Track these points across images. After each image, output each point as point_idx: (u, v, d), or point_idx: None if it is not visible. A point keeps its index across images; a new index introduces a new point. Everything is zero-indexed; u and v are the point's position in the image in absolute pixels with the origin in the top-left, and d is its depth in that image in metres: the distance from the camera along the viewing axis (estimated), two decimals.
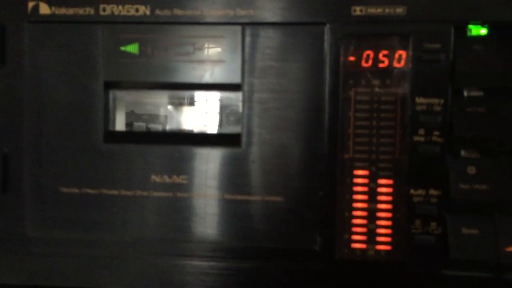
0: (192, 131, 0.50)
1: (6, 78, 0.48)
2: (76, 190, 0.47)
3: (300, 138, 0.45)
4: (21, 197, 0.48)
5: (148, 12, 0.46)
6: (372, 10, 0.44)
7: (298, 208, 0.46)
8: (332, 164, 0.45)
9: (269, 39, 0.45)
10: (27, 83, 0.47)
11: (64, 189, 0.47)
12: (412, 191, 0.45)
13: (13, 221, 0.48)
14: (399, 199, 0.46)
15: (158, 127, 0.50)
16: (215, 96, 0.51)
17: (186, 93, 0.50)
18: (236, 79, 0.46)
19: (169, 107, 0.51)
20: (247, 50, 0.45)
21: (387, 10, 0.44)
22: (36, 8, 0.47)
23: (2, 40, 0.47)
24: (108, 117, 0.48)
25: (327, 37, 0.45)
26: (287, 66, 0.45)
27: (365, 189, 0.46)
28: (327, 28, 0.45)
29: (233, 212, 0.46)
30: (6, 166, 0.48)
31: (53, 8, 0.47)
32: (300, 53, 0.45)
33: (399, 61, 0.45)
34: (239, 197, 0.46)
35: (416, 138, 0.44)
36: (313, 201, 0.45)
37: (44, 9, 0.47)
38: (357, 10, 0.44)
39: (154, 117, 0.50)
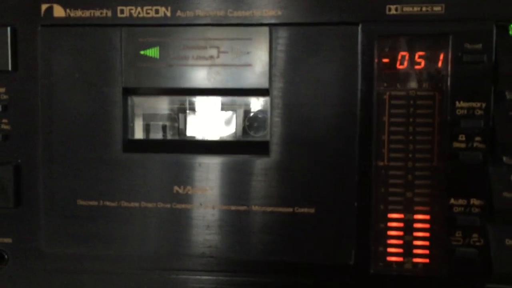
0: (215, 138, 0.47)
1: (19, 85, 0.45)
2: (94, 203, 0.45)
3: (332, 145, 0.42)
4: (36, 210, 0.46)
5: (168, 14, 0.44)
6: (408, 9, 0.42)
7: (331, 220, 0.43)
8: (366, 172, 0.43)
9: (298, 40, 0.43)
10: (41, 90, 0.45)
11: (82, 202, 0.45)
12: (452, 201, 0.42)
13: (27, 236, 0.46)
14: (438, 209, 0.43)
15: (178, 135, 0.47)
16: (237, 101, 0.48)
17: (207, 98, 0.47)
18: (263, 83, 0.43)
19: (189, 113, 0.48)
20: (275, 52, 0.43)
21: (424, 9, 0.42)
22: (50, 10, 0.44)
23: (14, 45, 0.45)
24: (127, 125, 0.45)
25: (360, 38, 0.42)
26: (318, 69, 0.42)
27: (400, 199, 0.43)
28: (360, 29, 0.42)
29: (262, 225, 0.43)
30: (19, 178, 0.45)
31: (68, 11, 0.44)
32: (332, 55, 0.42)
33: (436, 62, 0.42)
34: (268, 209, 0.43)
35: (456, 145, 0.42)
36: (347, 213, 0.43)
37: (59, 11, 0.44)
38: (392, 9, 0.42)
39: (173, 124, 0.48)
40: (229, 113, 0.48)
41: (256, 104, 0.48)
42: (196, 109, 0.47)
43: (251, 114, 0.48)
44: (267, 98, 0.45)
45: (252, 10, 0.43)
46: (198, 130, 0.47)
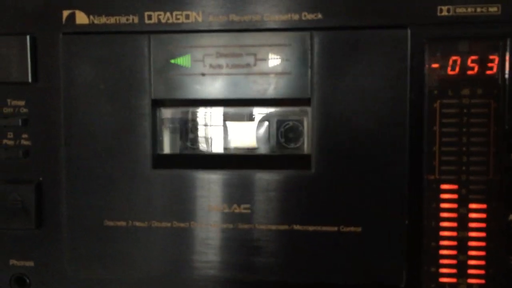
0: (251, 152, 0.44)
1: (39, 97, 0.42)
2: (122, 223, 0.42)
3: (380, 158, 0.39)
4: (59, 232, 0.43)
5: (200, 19, 0.40)
6: (461, 10, 0.38)
7: (379, 239, 0.40)
8: (417, 187, 0.39)
9: (341, 46, 0.39)
10: (63, 103, 0.42)
11: (109, 223, 0.42)
12: (510, 217, 0.39)
13: (50, 259, 0.43)
14: (494, 225, 0.40)
15: (210, 148, 0.44)
16: (269, 110, 0.45)
17: (241, 110, 0.44)
18: (304, 92, 0.40)
19: (221, 124, 0.45)
20: (316, 59, 0.39)
21: (478, 10, 0.38)
22: (72, 17, 0.41)
23: (34, 54, 0.42)
24: (156, 140, 0.42)
25: (409, 42, 0.39)
26: (363, 77, 0.39)
27: (453, 215, 0.40)
28: (409, 32, 0.39)
29: (304, 245, 0.40)
30: (41, 197, 0.42)
31: (91, 17, 0.41)
32: (378, 61, 0.39)
33: (491, 67, 0.39)
34: (310, 228, 0.40)
35: None
36: (396, 231, 0.39)
37: (81, 18, 0.41)
38: (444, 11, 0.39)
39: (205, 137, 0.44)
40: (263, 123, 0.45)
41: (290, 113, 0.44)
42: (228, 119, 0.44)
43: (286, 124, 0.44)
44: (304, 107, 0.41)
45: (290, 13, 0.40)
46: (231, 142, 0.44)
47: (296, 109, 0.44)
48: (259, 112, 0.45)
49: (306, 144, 0.43)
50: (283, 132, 0.44)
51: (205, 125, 0.44)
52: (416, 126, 0.40)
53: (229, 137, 0.44)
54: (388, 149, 0.39)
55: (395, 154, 0.39)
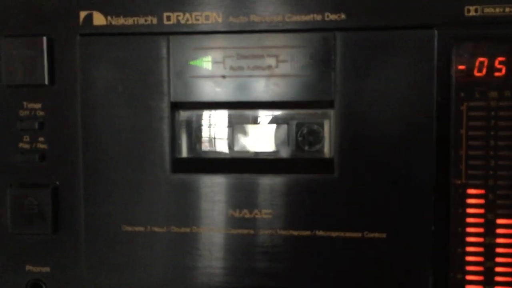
0: (272, 156, 0.43)
1: (56, 100, 0.41)
2: (140, 229, 0.41)
3: (405, 161, 0.38)
4: (76, 237, 0.42)
5: (220, 20, 0.39)
6: (489, 10, 0.37)
7: (405, 245, 0.39)
8: (443, 192, 0.38)
9: (365, 47, 0.38)
10: (81, 105, 0.41)
11: (127, 228, 0.41)
12: None
13: (67, 265, 0.42)
14: None
15: (230, 152, 0.43)
16: (289, 112, 0.44)
17: (260, 112, 0.43)
18: (327, 95, 0.39)
19: (241, 127, 0.44)
20: (340, 61, 0.38)
21: (507, 9, 0.37)
22: (89, 18, 0.40)
23: (51, 56, 0.41)
24: (175, 143, 0.41)
25: (435, 42, 0.37)
26: (388, 79, 0.38)
27: (480, 220, 0.39)
28: (435, 32, 0.37)
29: (327, 252, 0.39)
30: (57, 201, 0.41)
31: (109, 18, 0.40)
32: (403, 63, 0.38)
33: None
34: (333, 234, 0.39)
35: None
36: (422, 237, 0.38)
37: (99, 19, 0.40)
38: (472, 10, 0.38)
39: (224, 140, 0.43)
40: (282, 126, 0.44)
41: (310, 115, 0.43)
42: (249, 123, 0.43)
43: (306, 127, 0.43)
44: (325, 110, 0.40)
45: (313, 14, 0.39)
46: (251, 146, 0.43)
47: (316, 111, 0.43)
48: (278, 114, 0.43)
49: (326, 147, 0.42)
50: (303, 135, 0.43)
51: (224, 127, 0.43)
52: (443, 129, 0.38)
53: (248, 140, 0.43)
54: (414, 152, 0.38)
55: (421, 158, 0.38)
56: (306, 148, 0.43)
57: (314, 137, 0.43)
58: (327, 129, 0.42)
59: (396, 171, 0.38)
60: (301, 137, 0.43)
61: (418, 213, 0.38)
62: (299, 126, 0.43)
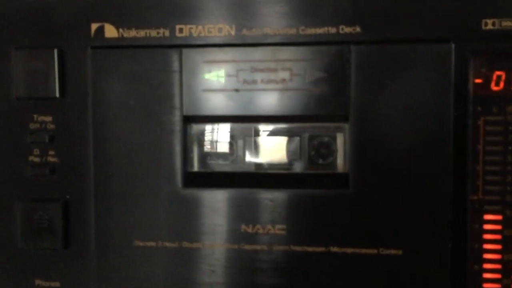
0: (285, 169, 0.42)
1: (67, 113, 0.41)
2: (152, 244, 0.40)
3: (421, 177, 0.38)
4: (86, 252, 0.41)
5: (233, 32, 0.39)
6: (507, 23, 0.37)
7: (421, 262, 0.38)
8: (460, 208, 0.38)
9: (381, 60, 0.38)
10: (92, 119, 0.40)
11: (138, 243, 0.40)
12: None
13: (77, 280, 0.42)
14: None
15: (242, 166, 0.43)
16: (300, 126, 0.43)
17: (272, 125, 0.43)
18: (343, 109, 0.38)
19: (254, 141, 0.43)
20: (354, 74, 0.38)
21: None
22: (100, 30, 0.40)
23: (62, 69, 0.40)
24: (187, 157, 0.40)
25: (453, 56, 0.37)
26: (404, 93, 0.38)
27: (498, 237, 0.38)
28: (452, 46, 0.37)
29: (341, 269, 0.38)
30: (68, 216, 0.41)
31: (120, 31, 0.40)
32: (420, 76, 0.38)
33: None
34: (348, 250, 0.38)
35: None
36: (439, 254, 0.38)
37: (111, 31, 0.40)
38: (489, 24, 0.37)
39: (236, 154, 0.43)
40: (294, 139, 0.43)
41: (322, 128, 0.43)
42: (260, 136, 0.42)
43: (318, 140, 0.43)
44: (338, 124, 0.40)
45: (327, 26, 0.38)
46: (264, 159, 0.42)
47: (328, 124, 0.42)
48: (290, 127, 0.43)
49: (339, 161, 0.42)
50: (316, 148, 0.42)
51: (236, 141, 0.42)
52: (460, 144, 0.38)
53: (260, 153, 0.43)
54: (430, 168, 0.38)
55: (438, 173, 0.38)
56: (320, 161, 0.42)
57: (327, 150, 0.42)
58: (340, 142, 0.42)
59: (412, 186, 0.38)
60: (313, 151, 0.42)
61: (435, 229, 0.38)
62: (311, 139, 0.43)
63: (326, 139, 0.42)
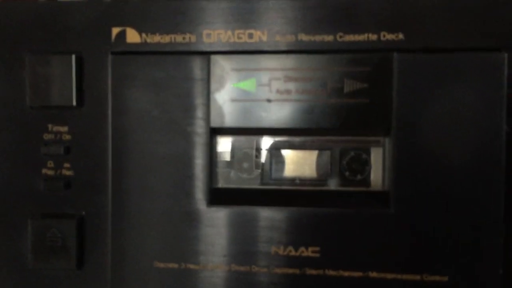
0: (318, 187, 0.39)
1: (85, 123, 0.38)
2: (174, 265, 0.37)
3: (470, 197, 0.35)
4: (102, 273, 0.38)
5: (265, 39, 0.36)
6: None
7: None
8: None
9: (426, 70, 0.35)
10: (111, 130, 0.37)
11: (159, 264, 0.37)
12: None
13: None
14: None
15: (270, 181, 0.40)
16: (334, 139, 0.40)
17: (302, 138, 0.40)
18: (384, 122, 0.35)
19: (282, 155, 0.40)
20: (397, 85, 0.35)
21: None
22: (122, 35, 0.37)
23: (80, 76, 0.38)
24: (213, 172, 0.37)
25: (506, 67, 0.34)
26: (451, 105, 0.35)
27: None
28: (506, 56, 0.34)
29: None
30: (83, 234, 0.38)
31: (143, 35, 0.37)
32: (469, 88, 0.35)
33: None
34: (389, 275, 0.35)
35: None
36: (488, 281, 0.34)
37: (133, 36, 0.37)
38: None
39: (264, 169, 0.40)
40: (325, 153, 0.40)
41: (354, 142, 0.40)
42: (293, 149, 0.39)
43: (351, 155, 0.40)
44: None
45: (367, 33, 0.36)
46: (296, 175, 0.40)
47: (362, 138, 0.39)
48: (323, 140, 0.40)
49: (373, 177, 0.39)
50: (351, 163, 0.39)
51: (267, 155, 0.39)
52: None
53: (292, 169, 0.40)
54: (480, 187, 0.35)
55: (489, 193, 0.35)
56: (353, 177, 0.39)
57: (361, 166, 0.40)
58: (375, 158, 0.39)
59: (460, 206, 0.35)
60: (347, 166, 0.40)
61: (485, 254, 0.35)
62: (344, 154, 0.40)
63: (360, 154, 0.39)
